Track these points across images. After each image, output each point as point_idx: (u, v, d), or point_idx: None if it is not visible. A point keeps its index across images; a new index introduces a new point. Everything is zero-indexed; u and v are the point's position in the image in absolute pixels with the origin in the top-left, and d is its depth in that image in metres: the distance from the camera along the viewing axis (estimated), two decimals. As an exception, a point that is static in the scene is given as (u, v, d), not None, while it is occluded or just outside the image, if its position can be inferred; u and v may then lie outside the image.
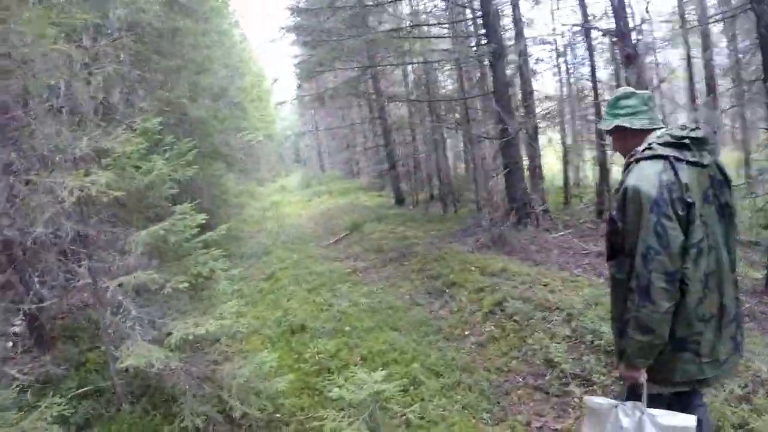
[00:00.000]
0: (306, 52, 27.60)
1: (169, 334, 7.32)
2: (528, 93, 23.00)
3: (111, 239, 8.34)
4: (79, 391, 10.49)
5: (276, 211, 31.15)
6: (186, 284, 7.14)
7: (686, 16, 24.19)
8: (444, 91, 31.03)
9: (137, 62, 17.40)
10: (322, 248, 22.68)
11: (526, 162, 22.22)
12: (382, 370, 8.28)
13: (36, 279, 11.42)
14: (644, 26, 20.91)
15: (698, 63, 24.95)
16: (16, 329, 13.59)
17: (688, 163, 4.34)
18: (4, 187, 10.00)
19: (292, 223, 29.31)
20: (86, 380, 10.93)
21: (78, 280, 11.59)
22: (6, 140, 11.85)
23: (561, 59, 27.40)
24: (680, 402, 4.70)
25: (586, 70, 24.50)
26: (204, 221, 7.82)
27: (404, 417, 8.49)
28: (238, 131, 26.66)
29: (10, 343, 13.72)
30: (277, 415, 9.33)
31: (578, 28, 23.26)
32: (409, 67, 29.97)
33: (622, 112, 4.74)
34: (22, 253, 11.84)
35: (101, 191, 6.85)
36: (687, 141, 4.41)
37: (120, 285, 7.36)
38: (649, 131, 4.70)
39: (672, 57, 28.62)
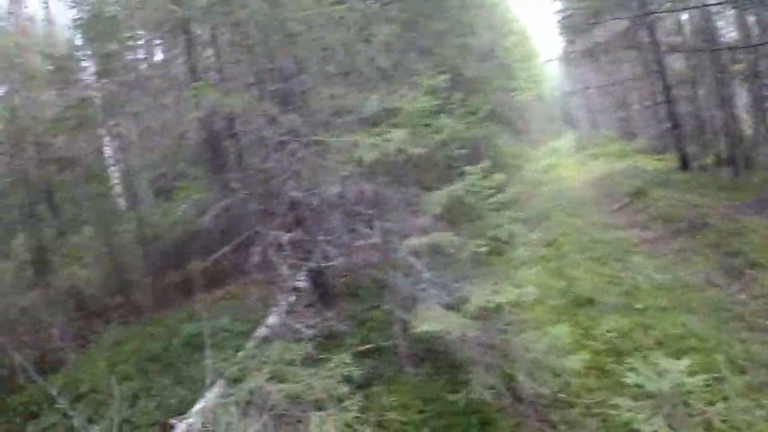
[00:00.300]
0: (570, 5, 25.94)
1: (465, 300, 7.11)
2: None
3: (402, 199, 8.38)
4: (361, 348, 11.09)
5: (552, 175, 30.23)
6: (485, 248, 6.85)
7: None
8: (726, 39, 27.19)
9: (407, 26, 17.66)
10: (603, 215, 21.43)
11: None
12: (680, 358, 7.29)
13: (322, 238, 12.13)
14: None
15: None
16: (300, 284, 14.76)
17: None
18: (292, 149, 10.75)
19: (568, 187, 28.24)
20: (368, 338, 11.48)
21: (362, 240, 12.15)
22: (291, 104, 12.82)
23: None
24: None
25: None
26: (501, 181, 7.45)
27: (705, 416, 7.42)
28: (508, 92, 26.21)
29: (294, 298, 15.00)
30: (562, 394, 8.83)
31: None
32: (684, 15, 26.70)
33: None
34: (309, 212, 12.69)
35: (398, 149, 6.78)
36: None
37: (412, 246, 7.31)
38: None
39: None
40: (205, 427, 9.78)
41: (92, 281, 18.24)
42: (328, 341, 11.91)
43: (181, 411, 10.71)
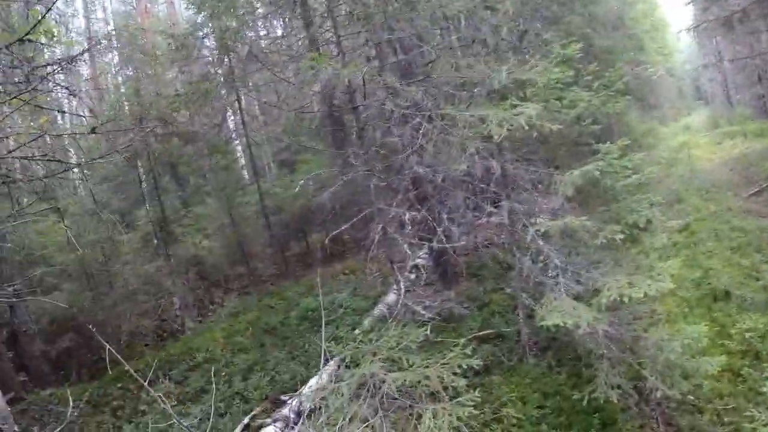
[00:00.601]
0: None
1: (596, 291, 6.74)
2: None
3: (532, 178, 8.05)
4: (481, 334, 10.90)
5: (685, 154, 28.32)
6: (621, 235, 6.44)
7: None
8: None
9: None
10: (741, 199, 19.85)
11: None
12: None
13: (445, 216, 11.95)
14: None
15: None
16: (421, 263, 14.72)
17: None
18: (415, 124, 10.58)
19: (703, 168, 26.38)
20: (489, 323, 11.26)
21: (486, 219, 11.89)
22: (412, 76, 12.62)
23: None
24: None
25: None
26: (640, 161, 6.95)
27: None
28: (638, 64, 24.69)
29: (414, 276, 15.03)
30: (690, 397, 8.23)
31: None
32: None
33: None
34: (432, 189, 12.55)
35: (529, 124, 6.47)
36: None
37: (542, 229, 7.00)
38: None
39: None
40: (314, 406, 10.04)
41: (214, 252, 19.18)
42: (447, 324, 11.84)
43: (294, 388, 11.13)
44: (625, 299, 6.33)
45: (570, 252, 7.87)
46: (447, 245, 11.49)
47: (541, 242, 7.75)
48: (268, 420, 10.21)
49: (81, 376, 13.72)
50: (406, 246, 11.89)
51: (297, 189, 16.21)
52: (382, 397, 6.61)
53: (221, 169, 18.65)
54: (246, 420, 10.20)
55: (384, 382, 6.61)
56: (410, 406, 6.67)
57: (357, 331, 12.55)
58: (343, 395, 6.80)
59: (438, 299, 13.18)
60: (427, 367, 6.75)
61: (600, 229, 6.74)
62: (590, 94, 7.47)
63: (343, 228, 13.01)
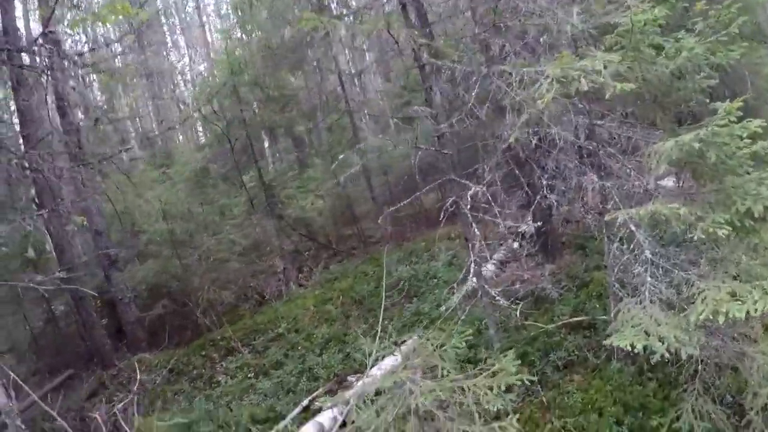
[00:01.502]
0: None
1: (690, 300, 5.01)
2: None
3: (624, 144, 6.34)
4: (572, 320, 9.24)
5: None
6: (726, 230, 4.67)
7: None
8: None
9: None
10: None
11: None
12: None
13: (545, 182, 10.27)
14: None
15: None
16: (527, 229, 13.01)
17: None
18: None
19: None
20: (583, 308, 9.54)
21: (592, 187, 10.12)
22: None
23: None
24: None
25: None
26: (759, 129, 4.99)
27: None
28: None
29: (516, 245, 13.35)
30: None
31: None
32: None
33: None
34: (530, 151, 10.91)
35: (616, 78, 4.83)
36: None
37: (629, 217, 5.33)
38: None
39: None
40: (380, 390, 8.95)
41: (323, 213, 18.44)
42: (538, 304, 10.27)
43: (364, 367, 10.15)
44: (720, 317, 4.57)
45: (665, 243, 6.09)
46: (551, 214, 9.89)
47: (632, 226, 6.00)
48: (329, 403, 9.34)
49: (174, 342, 13.54)
50: (505, 212, 10.31)
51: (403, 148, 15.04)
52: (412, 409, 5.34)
53: (326, 130, 17.77)
54: (306, 401, 9.33)
55: (412, 393, 5.32)
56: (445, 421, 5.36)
57: (442, 308, 11.35)
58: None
59: (535, 273, 11.60)
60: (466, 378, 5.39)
61: (700, 218, 4.93)
62: (695, 40, 5.55)
63: (428, 188, 11.62)
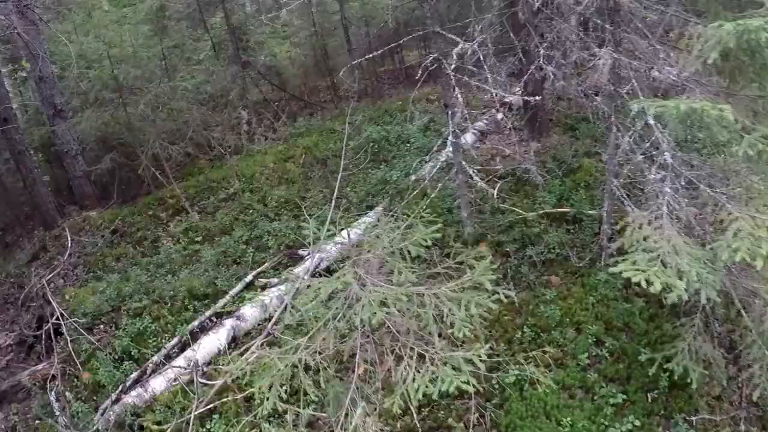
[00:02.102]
0: None
1: (717, 227, 3.89)
2: None
3: (656, 21, 4.92)
4: (554, 210, 8.11)
5: None
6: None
7: None
8: None
9: None
10: None
11: None
12: None
13: (542, 51, 8.80)
14: None
15: None
16: (512, 100, 11.58)
17: None
18: None
19: None
20: (568, 198, 8.41)
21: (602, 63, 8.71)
22: None
23: None
24: None
25: None
26: None
27: None
28: None
29: (500, 115, 11.90)
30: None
31: None
32: None
33: None
34: (531, 14, 9.36)
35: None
36: None
37: (652, 108, 4.07)
38: None
39: None
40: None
41: (296, 62, 16.57)
42: (518, 186, 9.12)
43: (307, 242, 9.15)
44: (759, 261, 3.43)
45: (691, 147, 4.84)
46: (541, 83, 8.46)
47: (651, 119, 4.68)
48: (274, 279, 8.38)
49: (123, 200, 12.24)
50: (495, 78, 8.87)
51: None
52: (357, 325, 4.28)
53: None
54: (250, 277, 8.40)
55: (359, 301, 4.23)
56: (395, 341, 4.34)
57: (412, 178, 10.17)
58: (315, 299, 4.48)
59: (520, 150, 10.33)
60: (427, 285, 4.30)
61: (746, 128, 3.64)
62: None
63: (391, 45, 9.98)
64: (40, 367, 7.68)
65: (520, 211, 8.16)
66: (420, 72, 7.35)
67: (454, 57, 7.58)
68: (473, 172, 7.48)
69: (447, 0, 11.54)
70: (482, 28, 8.84)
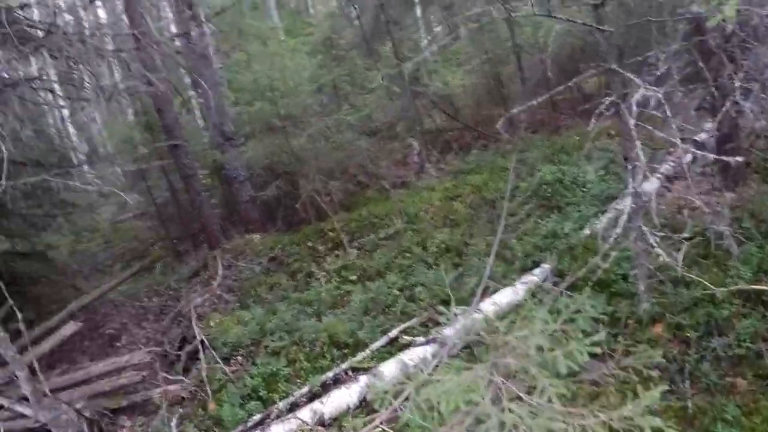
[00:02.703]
0: None
1: None
2: None
3: None
4: (750, 287, 6.38)
5: None
6: None
7: None
8: None
9: None
10: None
11: None
12: None
13: (738, 83, 7.50)
14: None
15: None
16: (704, 139, 9.93)
17: None
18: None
19: None
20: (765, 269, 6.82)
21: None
22: None
23: None
24: None
25: None
26: None
27: None
28: None
29: (689, 158, 10.25)
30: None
31: None
32: None
33: None
34: (721, 40, 8.08)
35: None
36: None
37: None
38: None
39: None
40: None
41: (468, 90, 15.92)
42: (707, 251, 7.53)
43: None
44: None
45: None
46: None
47: None
48: (420, 338, 7.72)
49: (286, 226, 12.42)
50: (672, 123, 7.63)
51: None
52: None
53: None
54: (394, 332, 7.77)
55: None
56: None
57: (585, 232, 9.00)
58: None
59: (711, 200, 8.74)
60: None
61: None
62: None
63: (586, 75, 8.88)
64: (172, 387, 7.78)
65: (708, 284, 6.56)
66: (593, 119, 6.34)
67: (634, 106, 6.54)
68: (654, 240, 6.31)
69: (624, 26, 10.26)
70: (666, 57, 7.65)
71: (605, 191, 9.95)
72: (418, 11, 18.25)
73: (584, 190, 10.38)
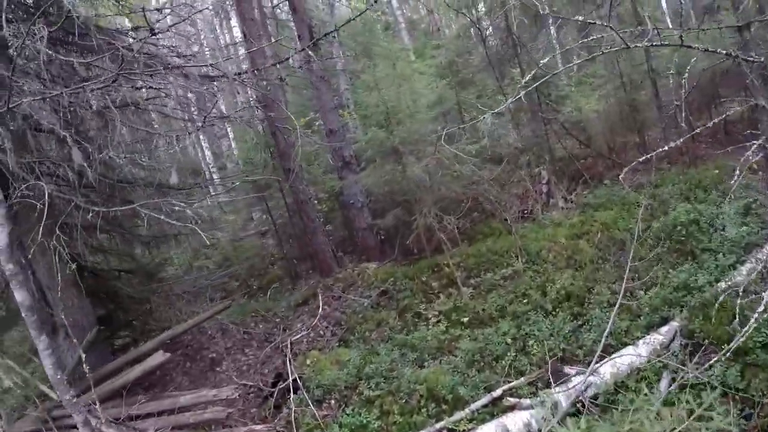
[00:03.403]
0: None
1: None
2: None
3: None
4: None
5: None
6: None
7: None
8: None
9: None
10: None
11: None
12: None
13: None
14: None
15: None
16: None
17: None
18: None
19: None
20: None
21: None
22: None
23: None
24: None
25: None
26: None
27: None
28: None
29: None
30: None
31: None
32: None
33: None
34: None
35: None
36: None
37: None
38: None
39: None
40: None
41: (602, 117, 14.44)
42: None
43: (588, 358, 7.25)
44: None
45: None
46: None
47: None
48: (526, 401, 6.66)
49: (405, 254, 11.75)
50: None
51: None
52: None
53: (616, 18, 13.37)
54: (499, 391, 6.88)
55: None
56: None
57: (722, 285, 7.57)
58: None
59: None
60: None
61: None
62: None
63: (698, 130, 7.47)
64: (257, 428, 7.31)
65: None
66: (738, 170, 5.13)
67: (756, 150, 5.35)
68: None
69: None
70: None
71: (746, 238, 8.41)
72: (553, 31, 17.09)
73: (723, 233, 8.87)
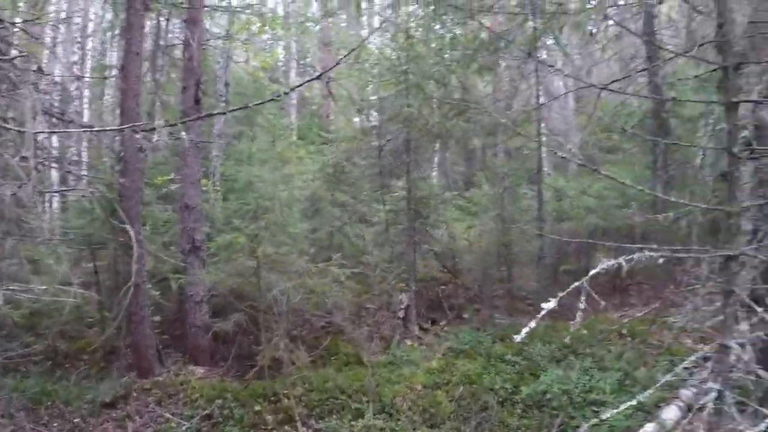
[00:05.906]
0: None
1: None
2: None
3: None
4: None
5: None
6: None
7: None
8: None
9: None
10: None
11: None
12: None
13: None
14: None
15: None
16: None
17: None
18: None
19: None
20: None
21: None
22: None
23: None
24: None
25: None
26: None
27: None
28: None
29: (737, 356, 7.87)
30: None
31: None
32: None
33: None
34: None
35: None
36: None
37: None
38: None
39: None
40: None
41: (474, 249, 13.80)
42: None
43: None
44: None
45: None
46: None
47: None
48: None
49: (237, 369, 9.98)
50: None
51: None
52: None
53: (504, 152, 13.16)
54: None
55: None
56: None
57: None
58: None
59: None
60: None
61: None
62: None
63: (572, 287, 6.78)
64: None
65: None
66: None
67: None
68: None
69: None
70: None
71: (623, 422, 7.52)
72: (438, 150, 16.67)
73: (597, 409, 7.89)
